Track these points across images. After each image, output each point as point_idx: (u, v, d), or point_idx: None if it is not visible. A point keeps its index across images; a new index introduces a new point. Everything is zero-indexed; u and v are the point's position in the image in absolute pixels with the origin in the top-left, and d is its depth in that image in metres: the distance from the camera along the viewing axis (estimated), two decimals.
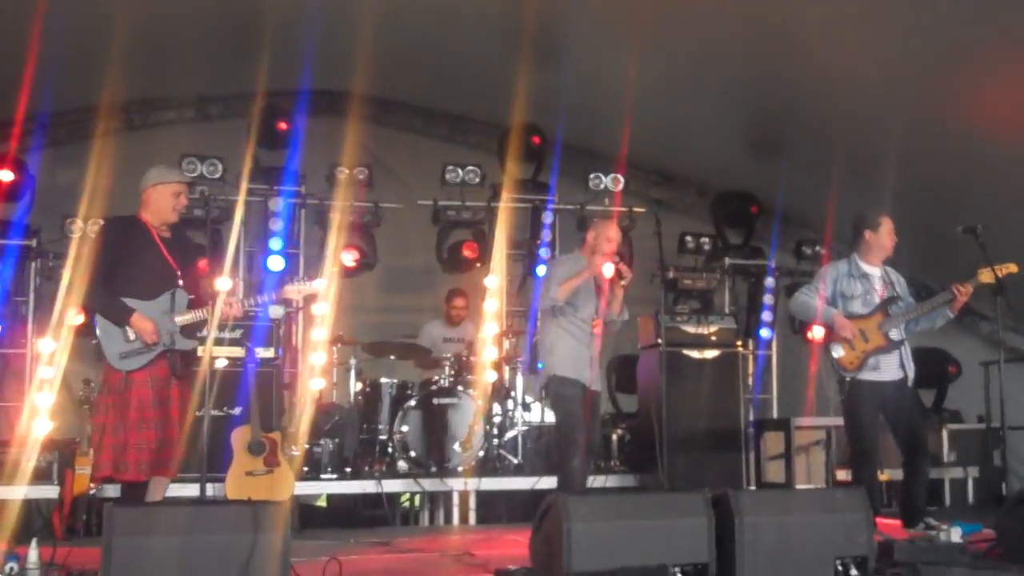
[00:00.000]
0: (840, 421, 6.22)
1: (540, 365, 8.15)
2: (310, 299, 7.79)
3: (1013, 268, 5.61)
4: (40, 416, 6.56)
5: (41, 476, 6.42)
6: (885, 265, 6.02)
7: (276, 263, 7.93)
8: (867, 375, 5.76)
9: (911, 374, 5.88)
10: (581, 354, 5.85)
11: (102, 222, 6.91)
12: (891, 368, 5.81)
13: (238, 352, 6.69)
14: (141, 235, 4.99)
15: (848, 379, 5.80)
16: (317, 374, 7.50)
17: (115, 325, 4.86)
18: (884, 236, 5.90)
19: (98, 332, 4.90)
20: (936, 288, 6.05)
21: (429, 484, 6.99)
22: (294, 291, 5.27)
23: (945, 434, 8.11)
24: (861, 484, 5.57)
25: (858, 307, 5.83)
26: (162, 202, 5.02)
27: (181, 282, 5.02)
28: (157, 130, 9.21)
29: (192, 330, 5.01)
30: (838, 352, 5.79)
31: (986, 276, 5.59)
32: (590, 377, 5.87)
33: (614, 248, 5.98)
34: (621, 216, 8.27)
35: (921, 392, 8.57)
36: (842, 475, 7.23)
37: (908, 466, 5.81)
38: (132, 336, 4.86)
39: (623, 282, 5.87)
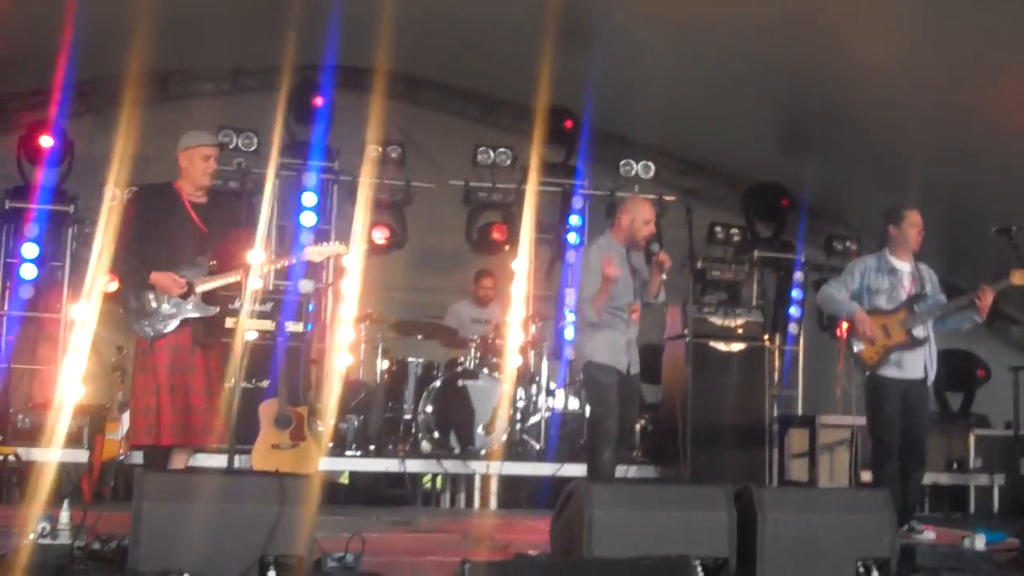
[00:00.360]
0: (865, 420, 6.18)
1: (565, 353, 8.19)
2: (339, 271, 7.89)
3: None
4: (73, 381, 6.65)
5: (72, 440, 6.51)
6: (918, 262, 5.94)
7: (308, 238, 7.96)
8: (890, 371, 5.73)
9: (932, 375, 5.83)
10: (617, 340, 5.71)
11: (134, 190, 7.01)
12: (915, 366, 5.76)
13: (268, 325, 6.72)
14: (170, 202, 5.02)
15: (868, 374, 5.78)
16: (345, 350, 7.54)
17: (137, 291, 4.91)
18: (907, 230, 5.80)
19: (125, 300, 4.97)
20: (966, 289, 5.99)
21: (452, 466, 7.02)
22: (315, 252, 5.31)
23: (972, 439, 8.02)
24: (883, 480, 5.61)
25: (883, 302, 5.78)
26: (192, 166, 5.04)
27: (210, 249, 5.03)
28: (194, 101, 9.25)
29: (213, 296, 5.01)
30: (858, 347, 5.77)
31: (1019, 278, 5.49)
32: (627, 361, 5.75)
33: (651, 230, 5.76)
34: (651, 204, 8.23)
35: (948, 396, 8.53)
36: (866, 476, 7.18)
37: (905, 470, 5.76)
38: (155, 303, 4.90)
39: (663, 276, 5.71)
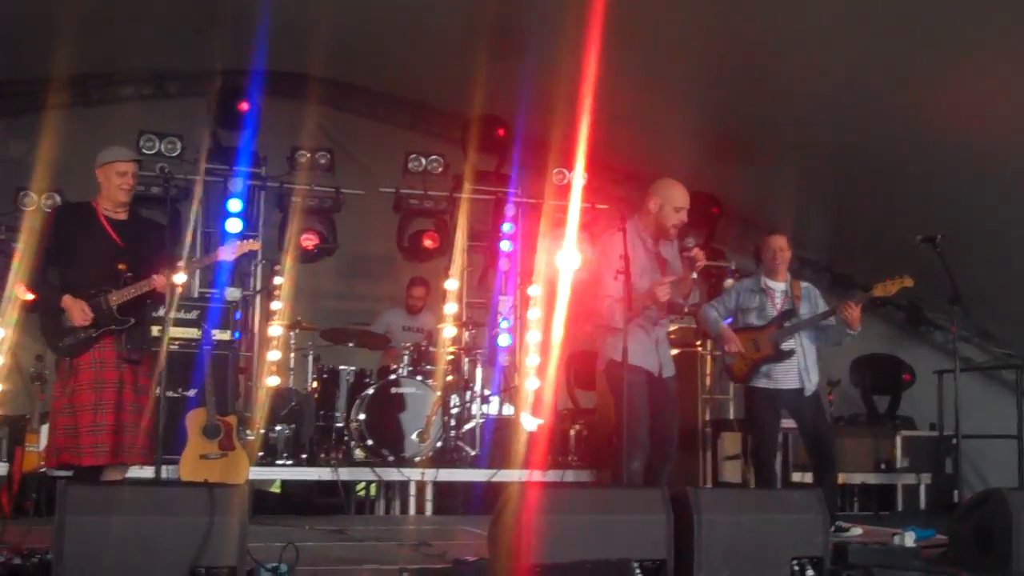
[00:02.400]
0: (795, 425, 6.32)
1: (499, 360, 8.16)
2: (266, 278, 7.77)
3: (908, 282, 5.72)
4: None
5: None
6: (798, 280, 6.21)
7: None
8: (760, 383, 6.00)
9: (810, 385, 6.02)
10: (643, 339, 5.08)
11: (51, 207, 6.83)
12: (787, 377, 5.99)
13: (193, 333, 6.61)
14: (86, 222, 4.91)
15: (744, 386, 6.09)
16: (274, 358, 7.41)
17: (51, 311, 4.80)
18: (765, 254, 6.15)
19: (41, 324, 4.87)
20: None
21: (386, 473, 6.93)
22: (227, 251, 5.21)
23: (899, 440, 8.26)
24: (760, 474, 5.94)
25: (754, 319, 6.10)
26: (108, 183, 4.94)
27: (125, 264, 4.89)
28: (115, 105, 9.05)
29: (128, 308, 4.87)
30: (729, 360, 6.10)
31: (880, 290, 5.77)
32: (657, 363, 5.16)
33: (683, 219, 5.09)
34: (583, 213, 8.25)
35: (876, 398, 8.74)
36: (797, 477, 7.34)
37: (815, 474, 6.04)
38: (68, 321, 4.80)
39: (694, 273, 5.13)
